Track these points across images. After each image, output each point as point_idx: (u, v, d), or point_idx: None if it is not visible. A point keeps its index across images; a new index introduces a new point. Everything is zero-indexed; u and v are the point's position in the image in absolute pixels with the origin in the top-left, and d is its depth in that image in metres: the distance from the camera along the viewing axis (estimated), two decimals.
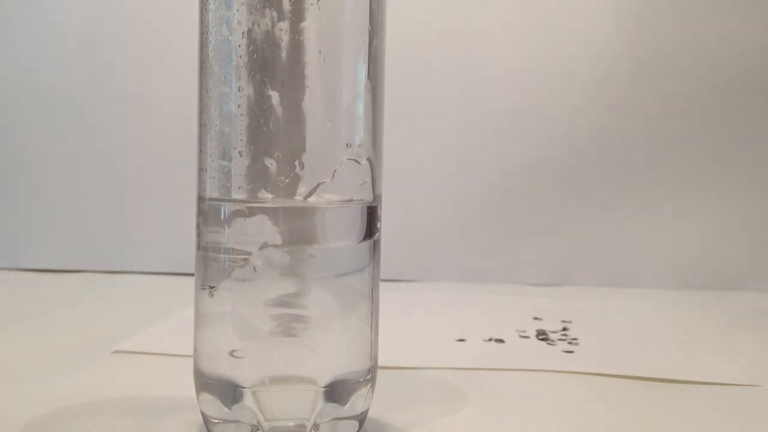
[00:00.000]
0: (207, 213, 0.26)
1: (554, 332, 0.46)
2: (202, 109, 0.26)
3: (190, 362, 0.26)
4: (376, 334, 0.27)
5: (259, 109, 0.24)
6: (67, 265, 0.71)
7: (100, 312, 0.52)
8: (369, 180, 0.26)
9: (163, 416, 0.29)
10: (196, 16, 0.26)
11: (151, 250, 0.71)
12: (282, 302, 0.24)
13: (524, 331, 0.46)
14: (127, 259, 0.71)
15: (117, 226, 0.72)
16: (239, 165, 0.24)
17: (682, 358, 0.40)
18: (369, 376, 0.27)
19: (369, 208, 0.26)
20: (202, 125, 0.26)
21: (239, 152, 0.24)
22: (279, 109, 0.24)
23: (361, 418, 0.27)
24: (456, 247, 0.70)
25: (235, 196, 0.25)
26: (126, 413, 0.29)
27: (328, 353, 0.25)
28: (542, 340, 0.44)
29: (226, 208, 0.25)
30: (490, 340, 0.43)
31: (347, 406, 0.26)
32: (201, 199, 0.26)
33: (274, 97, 0.24)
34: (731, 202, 0.66)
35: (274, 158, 0.24)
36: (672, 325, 0.50)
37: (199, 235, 0.26)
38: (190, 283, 0.26)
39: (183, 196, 0.71)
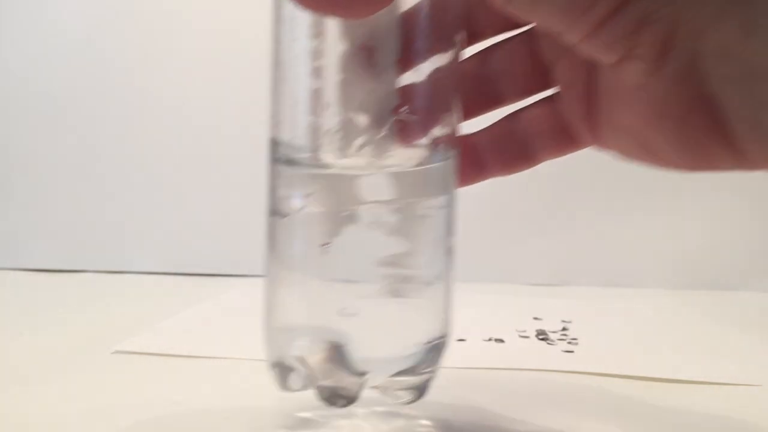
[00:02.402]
0: (304, 174, 0.25)
1: (554, 332, 0.46)
2: (282, 64, 0.24)
3: (191, 362, 0.26)
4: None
5: (354, 62, 0.23)
6: (67, 265, 0.71)
7: (100, 312, 0.52)
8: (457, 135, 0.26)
9: (164, 416, 0.29)
10: (196, 16, 0.26)
11: (151, 250, 0.71)
12: (390, 262, 0.24)
13: (524, 331, 0.46)
14: (127, 259, 0.71)
15: (117, 226, 0.72)
16: (334, 121, 0.24)
17: (682, 358, 0.40)
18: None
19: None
20: (282, 81, 0.24)
21: (339, 108, 0.24)
22: (378, 61, 0.23)
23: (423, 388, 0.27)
24: (456, 247, 0.70)
25: (331, 155, 0.24)
26: (126, 413, 0.29)
27: (430, 315, 0.25)
28: (542, 340, 0.44)
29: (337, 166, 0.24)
30: (490, 340, 0.43)
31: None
32: (289, 159, 0.25)
33: (369, 49, 0.23)
34: (731, 201, 0.66)
35: (375, 112, 0.24)
36: (672, 325, 0.50)
37: (285, 196, 0.25)
38: (190, 283, 0.27)
39: (183, 196, 0.71)
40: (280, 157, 0.25)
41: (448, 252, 0.26)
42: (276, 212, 0.25)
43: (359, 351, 0.24)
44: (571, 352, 0.41)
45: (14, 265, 0.71)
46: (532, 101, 0.28)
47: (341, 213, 0.24)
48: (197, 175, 0.70)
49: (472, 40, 0.27)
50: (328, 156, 0.24)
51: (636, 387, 0.34)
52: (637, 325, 0.50)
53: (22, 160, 0.73)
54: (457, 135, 0.26)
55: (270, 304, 0.26)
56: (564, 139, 0.28)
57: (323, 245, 0.24)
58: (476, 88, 0.28)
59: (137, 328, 0.45)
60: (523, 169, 0.29)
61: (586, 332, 0.46)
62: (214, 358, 0.38)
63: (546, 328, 0.47)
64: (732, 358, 0.40)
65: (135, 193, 0.72)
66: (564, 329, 0.47)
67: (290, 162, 0.25)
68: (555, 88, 0.27)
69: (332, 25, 0.23)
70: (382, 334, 0.25)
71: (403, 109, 0.24)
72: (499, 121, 0.29)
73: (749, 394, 0.34)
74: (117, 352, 0.39)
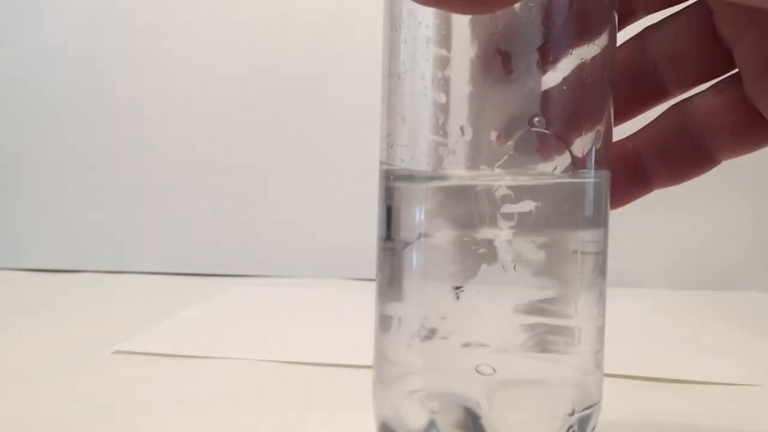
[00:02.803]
0: (436, 197, 0.21)
1: None
2: (397, 75, 0.21)
3: (191, 362, 0.26)
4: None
5: (486, 70, 0.20)
6: (67, 265, 0.71)
7: (100, 312, 0.52)
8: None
9: (164, 416, 0.29)
10: (194, 17, 0.25)
11: (151, 250, 0.71)
12: (536, 309, 0.20)
13: None
14: (127, 259, 0.71)
15: (117, 226, 0.72)
16: (464, 139, 0.20)
17: (682, 358, 0.40)
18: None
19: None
20: (402, 94, 0.21)
21: (469, 124, 0.20)
22: (515, 67, 0.20)
23: None
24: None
25: (459, 173, 0.20)
26: (126, 413, 0.29)
27: (588, 374, 0.21)
28: None
29: (467, 191, 0.20)
30: None
31: None
32: (410, 175, 0.21)
33: (504, 54, 0.19)
34: (731, 201, 0.66)
35: (510, 126, 0.20)
36: (671, 325, 0.50)
37: (416, 230, 0.21)
38: (190, 283, 0.26)
39: (182, 196, 0.71)
40: (397, 174, 0.21)
41: (602, 295, 0.21)
42: (392, 241, 0.21)
43: (497, 419, 0.20)
44: None
45: (14, 265, 0.71)
46: (703, 90, 0.23)
47: (474, 248, 0.20)
48: (197, 175, 0.70)
49: (621, 22, 0.22)
50: (456, 173, 0.20)
51: (636, 387, 0.34)
52: (637, 325, 0.50)
53: (22, 160, 0.73)
54: (611, 142, 0.21)
55: (386, 354, 0.22)
56: (755, 133, 0.22)
57: (456, 289, 0.20)
58: (632, 81, 0.23)
59: (137, 328, 0.45)
60: (696, 176, 0.24)
61: None
62: (214, 358, 0.38)
63: None
64: (732, 358, 0.40)
65: (135, 194, 0.72)
66: None
67: (411, 178, 0.21)
68: (733, 70, 0.22)
69: (459, 28, 0.20)
70: (527, 399, 0.20)
71: (540, 118, 0.19)
72: (660, 119, 0.23)
73: (749, 394, 0.34)
74: (117, 352, 0.39)
